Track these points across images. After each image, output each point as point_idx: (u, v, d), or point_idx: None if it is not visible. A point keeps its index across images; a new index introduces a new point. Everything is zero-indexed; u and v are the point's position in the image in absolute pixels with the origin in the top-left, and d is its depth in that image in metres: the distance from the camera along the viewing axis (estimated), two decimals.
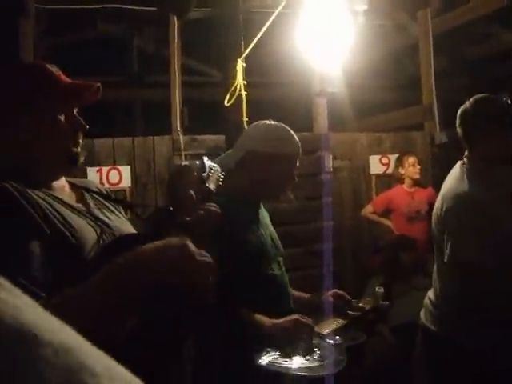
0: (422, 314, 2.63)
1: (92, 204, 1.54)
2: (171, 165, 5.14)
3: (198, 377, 2.04)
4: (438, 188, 2.74)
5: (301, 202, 5.41)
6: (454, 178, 2.51)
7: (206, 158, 1.65)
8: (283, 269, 2.38)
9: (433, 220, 2.60)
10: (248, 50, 4.19)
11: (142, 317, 1.19)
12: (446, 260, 2.39)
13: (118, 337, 1.14)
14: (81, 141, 1.51)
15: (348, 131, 6.83)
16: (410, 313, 3.08)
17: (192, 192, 1.45)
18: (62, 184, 1.51)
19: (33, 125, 1.41)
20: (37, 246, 1.21)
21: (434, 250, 2.58)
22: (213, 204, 1.49)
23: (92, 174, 4.96)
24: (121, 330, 1.16)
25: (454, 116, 2.61)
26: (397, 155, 5.77)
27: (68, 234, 1.30)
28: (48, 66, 1.48)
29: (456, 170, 2.54)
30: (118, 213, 1.64)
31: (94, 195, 1.60)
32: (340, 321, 2.34)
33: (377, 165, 6.07)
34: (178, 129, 5.42)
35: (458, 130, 2.57)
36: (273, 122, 2.37)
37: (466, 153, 2.54)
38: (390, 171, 5.95)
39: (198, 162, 1.61)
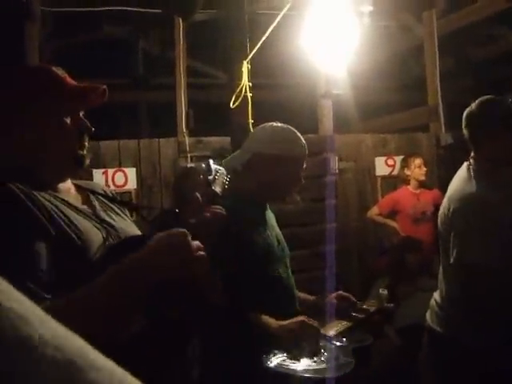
0: (427, 315, 2.62)
1: (98, 206, 1.54)
2: (177, 167, 5.15)
3: (205, 378, 2.05)
4: (443, 189, 2.74)
5: (306, 204, 5.41)
6: (461, 180, 2.50)
7: (211, 161, 1.65)
8: (289, 270, 2.38)
9: (439, 221, 2.59)
10: (253, 51, 4.19)
11: (147, 316, 1.20)
12: (452, 261, 2.39)
13: (123, 336, 1.14)
14: (86, 143, 1.51)
15: (353, 133, 6.82)
16: (416, 314, 3.08)
17: (198, 194, 1.45)
18: (67, 186, 1.51)
19: (39, 127, 1.42)
20: (42, 247, 1.22)
21: (440, 252, 2.58)
22: (218, 206, 1.49)
23: (98, 176, 4.97)
24: (126, 330, 1.16)
25: (460, 117, 2.61)
26: (402, 157, 5.75)
27: (73, 235, 1.30)
28: (54, 68, 1.48)
29: (462, 172, 2.53)
30: (123, 215, 1.64)
31: (100, 197, 1.61)
32: (345, 323, 2.34)
33: (382, 166, 6.06)
34: (184, 131, 5.43)
35: (464, 131, 2.57)
36: (279, 124, 2.37)
37: (471, 154, 2.54)
38: (395, 173, 5.94)
39: (204, 165, 1.61)
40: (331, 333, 2.22)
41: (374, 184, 6.05)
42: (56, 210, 1.31)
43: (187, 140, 5.29)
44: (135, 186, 5.17)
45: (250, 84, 4.20)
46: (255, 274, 2.15)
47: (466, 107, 2.58)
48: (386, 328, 3.92)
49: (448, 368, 2.47)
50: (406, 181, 5.60)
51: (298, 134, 2.36)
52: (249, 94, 4.17)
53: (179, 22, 5.48)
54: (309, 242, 5.23)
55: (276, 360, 1.94)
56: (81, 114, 1.50)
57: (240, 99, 4.14)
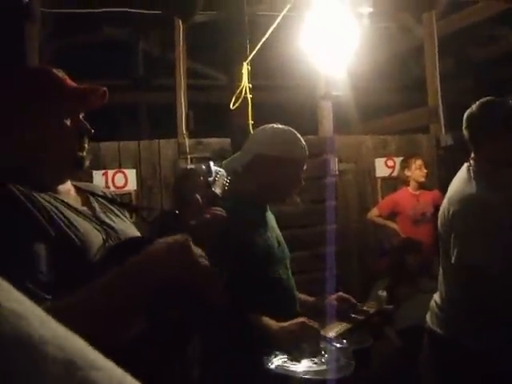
0: (428, 316, 2.62)
1: (97, 208, 1.54)
2: (177, 168, 5.15)
3: (205, 379, 2.05)
4: (443, 190, 2.74)
5: (306, 205, 5.41)
6: (461, 181, 2.50)
7: (212, 163, 1.65)
8: (289, 272, 2.38)
9: (439, 222, 2.59)
10: (253, 53, 4.19)
11: (147, 317, 1.20)
12: (452, 262, 2.38)
13: (124, 338, 1.14)
14: (86, 145, 1.51)
15: (353, 134, 6.81)
16: (416, 316, 3.07)
17: (198, 196, 1.45)
18: (67, 188, 1.52)
19: (39, 128, 1.42)
20: (42, 249, 1.22)
21: (440, 253, 2.58)
22: (219, 208, 1.49)
23: (98, 177, 4.97)
24: (126, 332, 1.16)
25: (460, 118, 2.61)
26: (402, 158, 5.75)
27: (73, 236, 1.31)
28: (54, 70, 1.48)
29: (462, 173, 2.53)
30: (122, 216, 1.64)
31: (100, 199, 1.61)
32: (344, 324, 2.34)
33: (382, 167, 6.06)
34: (184, 132, 5.43)
35: (465, 132, 2.57)
36: (280, 126, 2.38)
37: (472, 155, 2.54)
38: (395, 174, 5.94)
39: (204, 167, 1.62)
40: (331, 334, 2.22)
41: (374, 185, 6.05)
42: (56, 212, 1.31)
43: (187, 141, 5.29)
44: (135, 187, 5.17)
45: (250, 85, 4.20)
46: (255, 275, 2.15)
47: (466, 108, 2.58)
48: (386, 329, 3.92)
49: (448, 369, 2.47)
50: (405, 182, 5.60)
51: (299, 136, 2.36)
52: (249, 96, 4.17)
53: (179, 23, 5.47)
54: (309, 243, 5.23)
55: (276, 361, 1.94)
56: (81, 116, 1.50)
57: (240, 101, 4.13)
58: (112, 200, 1.66)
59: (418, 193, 5.53)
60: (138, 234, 1.60)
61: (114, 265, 1.18)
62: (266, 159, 2.29)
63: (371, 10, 4.52)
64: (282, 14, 4.01)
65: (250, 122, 4.16)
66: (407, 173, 5.55)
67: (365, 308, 2.53)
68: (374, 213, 5.67)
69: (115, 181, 5.09)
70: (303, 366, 1.94)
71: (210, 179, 1.57)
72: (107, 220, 1.51)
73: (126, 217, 1.67)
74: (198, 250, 1.24)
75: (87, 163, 1.52)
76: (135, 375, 0.40)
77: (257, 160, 2.30)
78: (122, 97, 8.06)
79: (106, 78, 6.86)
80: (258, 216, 2.35)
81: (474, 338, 2.34)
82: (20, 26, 4.74)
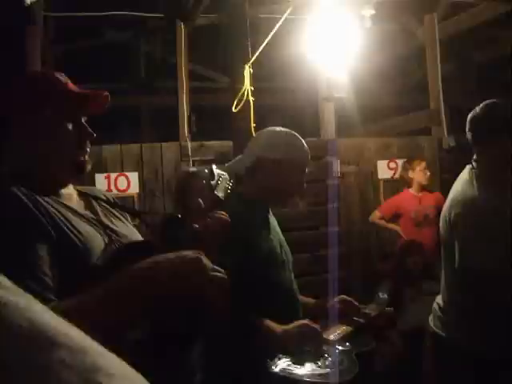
0: (430, 319, 2.61)
1: (100, 212, 1.54)
2: (179, 171, 5.16)
3: (208, 382, 2.04)
4: (445, 192, 2.73)
5: (309, 208, 5.41)
6: (463, 183, 2.50)
7: (214, 166, 1.65)
8: (292, 274, 2.38)
9: (441, 224, 2.59)
10: (255, 55, 4.19)
11: (150, 323, 1.20)
12: (454, 265, 2.38)
13: (125, 342, 1.14)
14: (88, 149, 1.51)
15: (355, 136, 6.82)
16: (419, 318, 3.07)
17: (200, 200, 1.45)
18: (70, 192, 1.52)
19: (40, 133, 1.42)
20: (45, 251, 1.22)
21: (442, 255, 2.57)
22: (221, 212, 1.49)
23: (100, 180, 4.98)
24: (128, 335, 1.17)
25: (462, 120, 2.61)
26: (404, 160, 5.74)
27: (75, 239, 1.31)
28: (56, 74, 1.48)
29: (465, 175, 2.53)
30: (125, 220, 1.65)
31: (102, 203, 1.61)
32: (346, 327, 2.33)
33: (384, 170, 6.06)
34: (186, 135, 5.44)
35: (468, 134, 2.57)
36: (282, 129, 2.37)
37: (474, 157, 2.53)
38: (397, 176, 5.94)
39: (206, 170, 1.61)
40: (334, 337, 2.21)
41: (377, 187, 6.05)
42: (58, 215, 1.32)
43: (189, 144, 5.30)
44: (137, 190, 5.18)
45: (252, 88, 4.20)
46: (258, 278, 2.14)
47: (469, 110, 2.57)
48: (388, 332, 3.91)
49: (450, 372, 2.47)
50: (408, 183, 5.59)
51: (301, 138, 2.36)
52: (251, 98, 4.17)
53: (181, 26, 5.49)
54: (311, 245, 5.22)
55: (280, 364, 1.94)
56: (83, 120, 1.50)
57: (242, 103, 4.14)
58: (114, 204, 1.66)
59: (420, 194, 5.53)
60: (140, 238, 1.60)
61: (116, 268, 1.19)
62: (269, 162, 2.28)
63: (373, 12, 4.53)
64: (284, 16, 4.02)
65: (253, 124, 4.16)
66: (411, 175, 5.54)
67: (367, 311, 2.53)
68: (376, 215, 5.66)
69: (117, 184, 5.09)
70: (307, 369, 1.93)
71: (213, 183, 1.57)
72: (109, 224, 1.51)
73: (127, 221, 1.67)
74: (210, 264, 1.24)
75: (89, 167, 1.52)
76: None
77: (259, 163, 2.30)
78: (124, 100, 8.07)
79: (108, 81, 6.89)
80: (261, 219, 2.34)
81: (477, 341, 2.33)
82: (22, 30, 4.75)
